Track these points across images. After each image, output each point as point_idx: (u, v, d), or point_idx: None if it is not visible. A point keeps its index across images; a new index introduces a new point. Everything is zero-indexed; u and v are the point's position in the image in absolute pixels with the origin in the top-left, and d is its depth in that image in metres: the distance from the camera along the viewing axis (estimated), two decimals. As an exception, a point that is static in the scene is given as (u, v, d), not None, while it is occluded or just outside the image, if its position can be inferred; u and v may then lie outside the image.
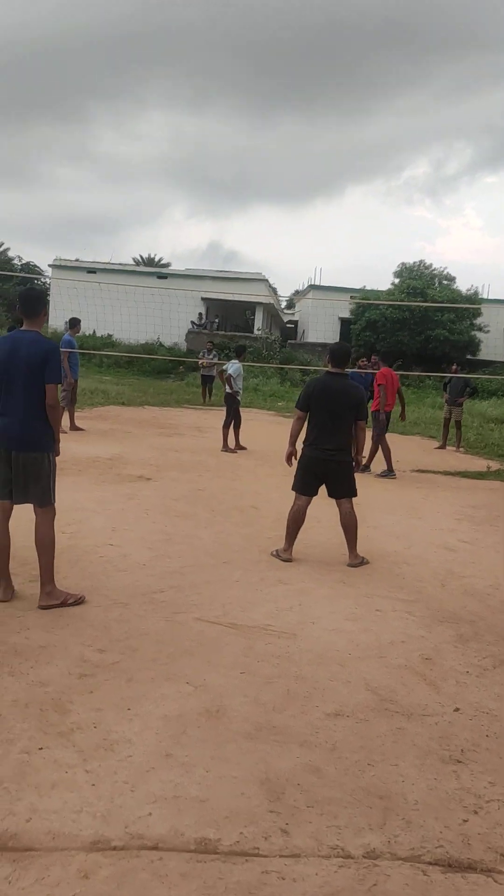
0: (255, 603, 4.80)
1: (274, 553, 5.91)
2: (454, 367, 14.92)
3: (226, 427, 11.93)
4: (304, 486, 5.95)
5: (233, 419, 11.95)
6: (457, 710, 3.52)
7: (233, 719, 3.28)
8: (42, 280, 49.17)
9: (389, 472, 10.19)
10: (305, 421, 5.93)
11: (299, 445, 6.03)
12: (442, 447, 13.63)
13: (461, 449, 13.57)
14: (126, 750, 2.97)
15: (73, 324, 12.48)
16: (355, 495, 6.00)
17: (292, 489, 6.03)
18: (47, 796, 2.64)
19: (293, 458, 6.09)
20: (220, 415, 17.08)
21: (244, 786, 2.79)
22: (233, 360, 12.49)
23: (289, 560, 5.80)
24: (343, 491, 5.94)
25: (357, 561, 5.84)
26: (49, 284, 41.86)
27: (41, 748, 2.94)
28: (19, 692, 3.38)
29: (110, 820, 2.54)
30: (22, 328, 4.60)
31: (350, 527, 5.91)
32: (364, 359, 12.62)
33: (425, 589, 5.36)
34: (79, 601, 4.54)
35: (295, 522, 5.92)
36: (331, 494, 6.00)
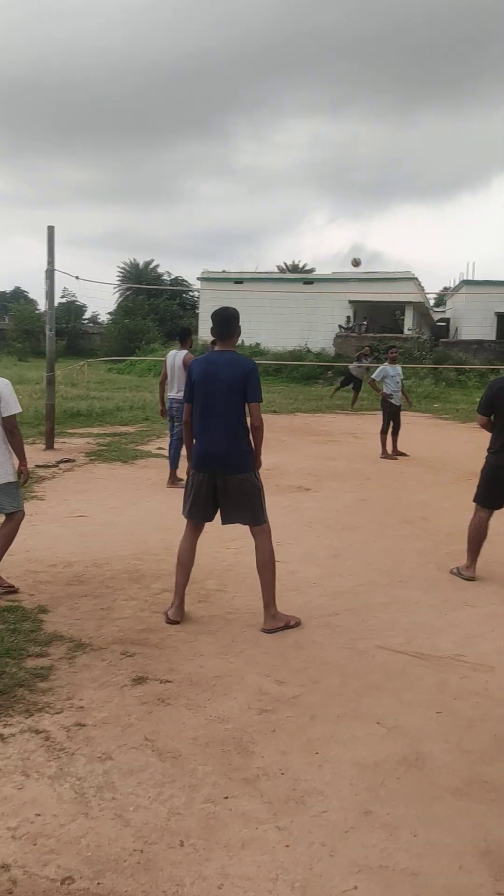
0: (440, 629, 4.36)
1: (454, 571, 5.42)
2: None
3: (383, 433, 11.46)
4: (487, 498, 5.40)
5: (389, 424, 11.46)
6: None
7: (437, 770, 2.88)
8: (191, 293, 50.51)
9: None
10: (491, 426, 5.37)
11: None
12: None
13: None
14: (319, 804, 2.65)
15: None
16: None
17: (474, 500, 5.50)
18: (238, 858, 2.36)
19: None
20: (374, 419, 16.61)
21: (461, 857, 2.39)
22: (383, 365, 12.02)
23: (472, 578, 5.29)
24: None
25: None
26: (199, 297, 42.88)
27: (227, 797, 2.67)
28: (199, 729, 3.14)
29: (310, 892, 2.22)
30: (217, 349, 4.51)
31: None
32: None
33: None
34: (298, 624, 4.33)
35: (477, 537, 5.40)
36: None
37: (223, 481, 4.32)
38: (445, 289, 47.78)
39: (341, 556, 5.78)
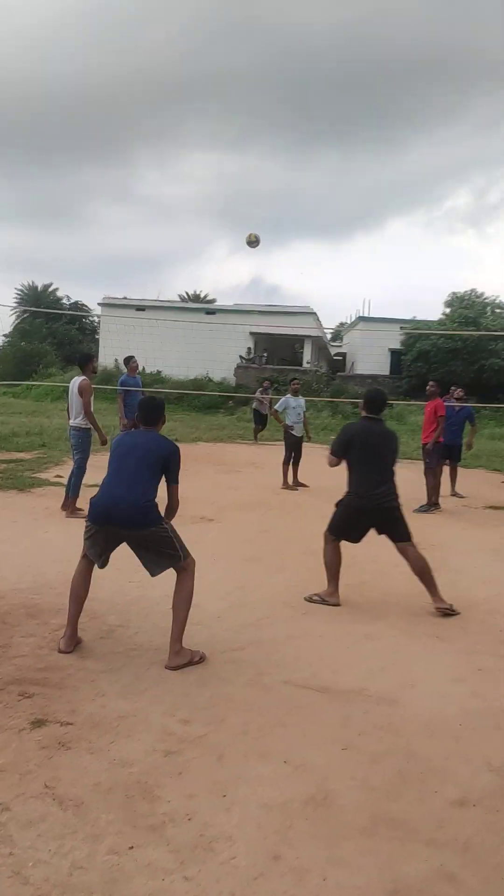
0: (345, 662, 4.39)
1: (316, 598, 5.54)
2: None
3: (285, 464, 11.58)
4: (340, 532, 5.66)
5: (290, 454, 11.60)
6: None
7: (344, 809, 2.87)
8: (90, 318, 49.91)
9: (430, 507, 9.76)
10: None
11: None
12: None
13: None
14: (227, 850, 2.58)
15: (127, 362, 12.24)
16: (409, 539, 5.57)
17: (327, 529, 5.70)
18: (144, 912, 2.26)
19: None
20: (275, 450, 16.78)
21: (371, 899, 2.37)
22: (286, 396, 12.26)
23: (336, 604, 5.49)
24: (402, 534, 5.55)
25: (445, 606, 5.38)
26: (98, 322, 42.41)
27: (132, 847, 2.57)
28: (101, 774, 3.02)
29: (219, 944, 2.15)
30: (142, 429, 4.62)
31: (424, 571, 5.45)
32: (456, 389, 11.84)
33: (527, 643, 4.87)
34: (203, 659, 4.28)
35: (335, 564, 5.65)
36: (394, 539, 5.59)
37: (130, 536, 4.34)
38: (342, 324, 49.15)
39: (245, 589, 5.76)
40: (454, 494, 11.17)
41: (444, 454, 10.55)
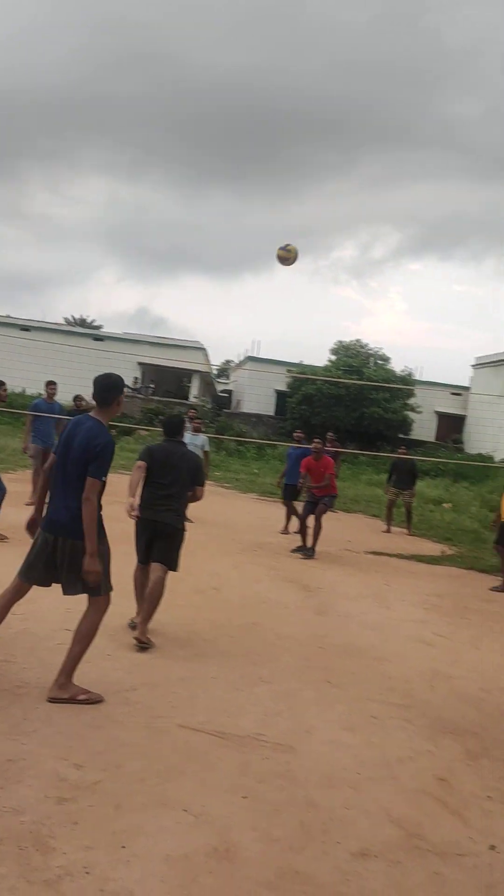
0: (239, 706, 4.32)
1: (131, 624, 5.49)
2: (402, 449, 14.70)
3: None
4: (137, 552, 5.68)
5: None
6: (492, 847, 3.11)
7: (247, 862, 2.78)
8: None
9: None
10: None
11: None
12: (387, 531, 13.35)
13: (411, 533, 13.31)
14: (130, 908, 2.44)
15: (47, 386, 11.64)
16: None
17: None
18: None
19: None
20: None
21: None
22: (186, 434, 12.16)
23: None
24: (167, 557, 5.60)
25: (143, 640, 5.11)
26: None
27: (25, 906, 2.38)
28: (-10, 824, 2.81)
29: None
30: (90, 413, 4.34)
31: (155, 598, 5.38)
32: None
33: (415, 692, 4.97)
34: (98, 700, 4.06)
35: (137, 587, 5.64)
36: (155, 557, 5.58)
37: (63, 545, 4.11)
38: (228, 361, 49.68)
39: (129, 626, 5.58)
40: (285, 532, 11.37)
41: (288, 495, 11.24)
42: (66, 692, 4.03)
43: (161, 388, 36.57)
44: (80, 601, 5.88)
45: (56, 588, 5.92)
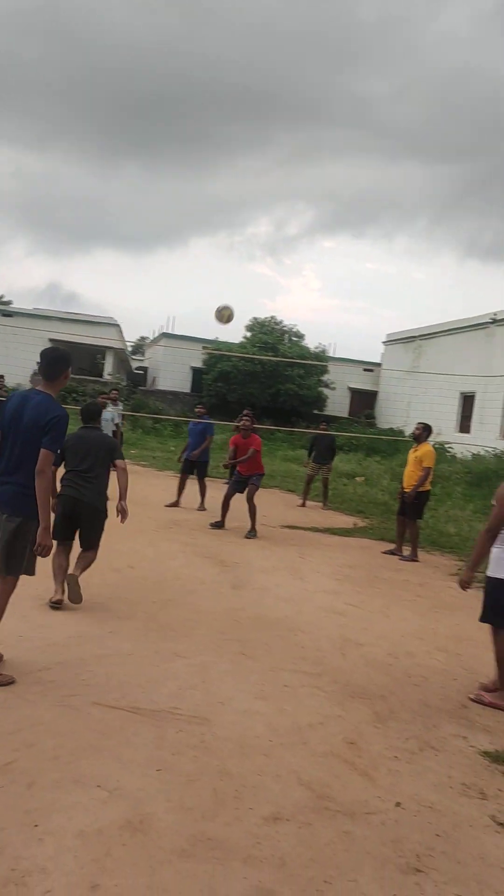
0: (155, 681, 4.34)
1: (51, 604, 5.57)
2: (323, 425, 14.83)
3: None
4: (59, 532, 5.74)
5: None
6: (398, 805, 3.25)
7: (161, 832, 2.83)
8: None
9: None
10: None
11: None
12: (303, 504, 13.57)
13: (326, 507, 13.56)
14: (42, 883, 2.45)
15: None
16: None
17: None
18: None
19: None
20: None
21: (192, 923, 2.35)
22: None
23: (59, 602, 5.55)
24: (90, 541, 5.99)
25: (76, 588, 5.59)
26: None
27: None
28: None
29: None
30: (37, 388, 4.37)
31: (88, 560, 5.89)
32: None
33: (327, 659, 5.11)
34: (11, 682, 4.06)
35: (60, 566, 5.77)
36: (81, 543, 5.97)
37: (4, 523, 4.15)
38: (143, 338, 49.13)
39: (47, 606, 5.53)
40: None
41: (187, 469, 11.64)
42: None
43: (74, 366, 35.71)
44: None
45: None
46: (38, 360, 4.43)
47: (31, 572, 4.32)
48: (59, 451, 4.24)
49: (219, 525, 9.93)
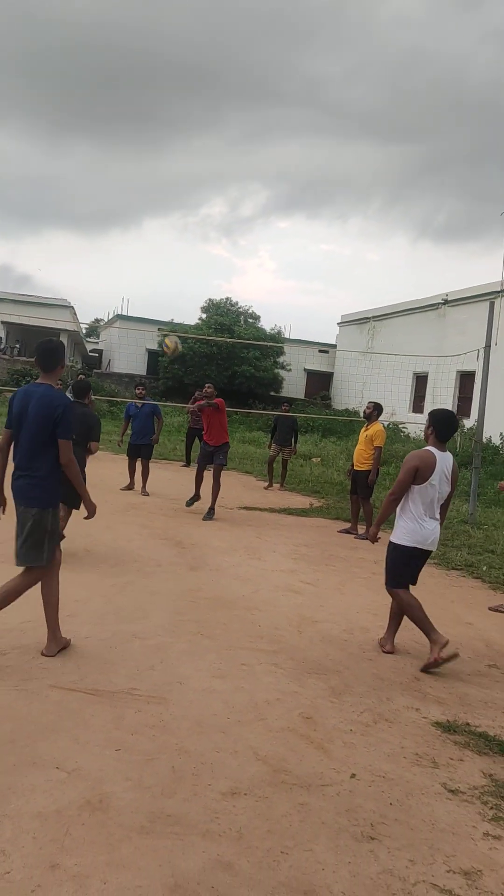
0: (112, 663, 4.36)
1: None
2: (284, 406, 14.81)
3: None
4: None
5: None
6: (353, 776, 3.33)
7: (120, 810, 2.86)
8: None
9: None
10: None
11: None
12: (269, 486, 13.62)
13: (283, 488, 13.65)
14: (1, 865, 2.47)
15: None
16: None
17: None
18: None
19: None
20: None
21: (152, 897, 2.39)
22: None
23: None
24: None
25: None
26: None
27: None
28: None
29: None
30: (37, 381, 4.46)
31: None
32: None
33: (283, 637, 5.18)
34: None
35: None
36: None
37: (23, 513, 4.32)
38: (98, 320, 48.56)
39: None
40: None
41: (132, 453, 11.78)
42: (58, 645, 4.43)
43: (28, 348, 35.29)
44: None
45: None
46: (35, 351, 4.50)
47: (50, 561, 4.45)
48: (73, 437, 4.38)
49: (195, 499, 9.94)
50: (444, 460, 5.01)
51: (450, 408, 23.78)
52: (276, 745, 3.54)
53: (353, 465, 9.96)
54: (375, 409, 9.88)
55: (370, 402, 10.05)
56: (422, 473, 4.94)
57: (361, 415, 10.54)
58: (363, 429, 9.99)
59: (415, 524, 5.00)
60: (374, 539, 5.57)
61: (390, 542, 5.13)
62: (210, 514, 9.65)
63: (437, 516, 5.10)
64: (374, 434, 9.69)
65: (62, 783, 3.01)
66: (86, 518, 4.94)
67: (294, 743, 3.59)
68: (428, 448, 5.06)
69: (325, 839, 2.81)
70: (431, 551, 5.17)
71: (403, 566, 5.07)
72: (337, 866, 2.65)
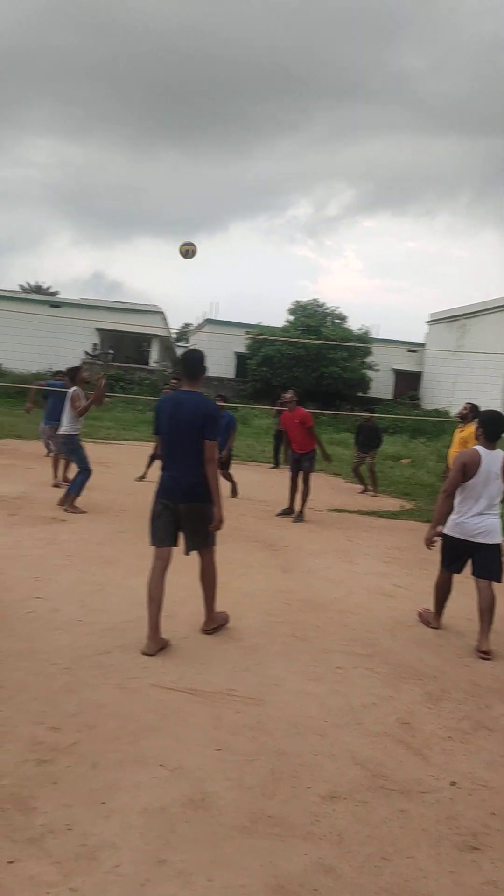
0: (209, 663, 4.45)
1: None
2: (367, 413, 14.66)
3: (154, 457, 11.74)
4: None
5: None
6: (453, 783, 3.30)
7: (222, 810, 2.92)
8: None
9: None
10: None
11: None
12: (363, 491, 13.49)
13: (377, 494, 13.48)
14: (111, 858, 2.56)
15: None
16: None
17: None
18: (30, 928, 2.21)
19: None
20: (121, 449, 16.59)
21: (255, 896, 2.44)
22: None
23: None
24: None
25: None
26: None
27: (11, 861, 2.49)
28: (-29, 788, 2.90)
29: None
30: (183, 388, 4.90)
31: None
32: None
33: (378, 641, 5.16)
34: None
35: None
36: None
37: (186, 509, 4.74)
38: (187, 325, 49.32)
39: (104, 592, 5.67)
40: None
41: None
42: (215, 622, 5.02)
43: (121, 354, 36.22)
44: (48, 571, 5.97)
45: (22, 554, 6.02)
46: (180, 362, 5.02)
47: (215, 542, 5.01)
48: (218, 439, 4.82)
49: (289, 511, 9.99)
50: (492, 458, 5.26)
51: (546, 406, 23.04)
52: (374, 750, 3.54)
53: (447, 467, 9.79)
54: (472, 411, 9.67)
55: (467, 403, 9.85)
56: (468, 471, 5.24)
57: (457, 415, 10.34)
58: (457, 429, 9.81)
59: (460, 517, 5.35)
60: (430, 544, 5.55)
61: (442, 533, 5.50)
62: (300, 517, 9.69)
63: (490, 511, 5.31)
64: (468, 436, 9.49)
65: (165, 781, 3.10)
66: (217, 524, 4.93)
67: (392, 748, 3.58)
68: (475, 447, 5.34)
69: (426, 847, 2.80)
70: (484, 544, 5.29)
71: (447, 553, 5.51)
72: (439, 875, 2.64)
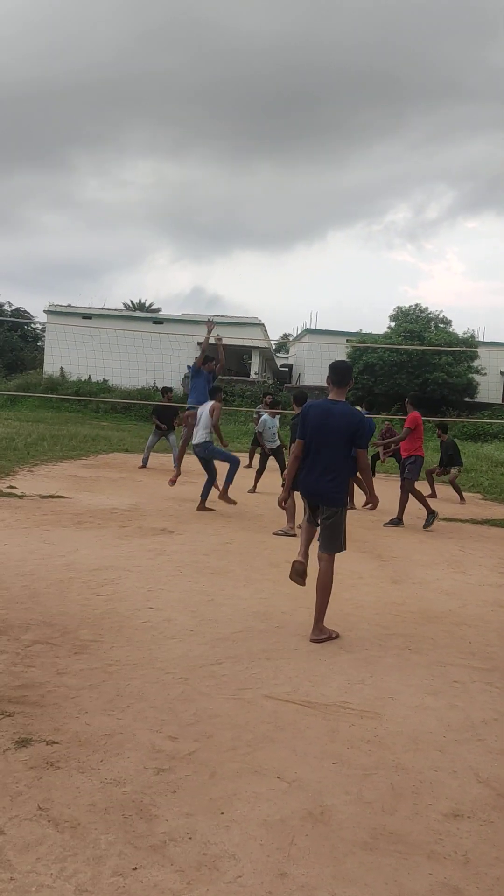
0: (323, 675, 4.40)
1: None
2: (438, 431, 14.86)
3: (259, 472, 12.16)
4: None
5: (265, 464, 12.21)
6: None
7: (342, 824, 2.87)
8: (33, 325, 49.13)
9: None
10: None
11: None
12: (462, 501, 13.27)
13: (463, 501, 13.23)
14: (233, 869, 2.56)
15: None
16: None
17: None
18: (156, 936, 2.22)
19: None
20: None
21: (380, 914, 2.38)
22: (264, 415, 12.80)
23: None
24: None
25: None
26: (42, 330, 41.78)
27: (135, 868, 2.52)
28: (95, 793, 2.96)
29: None
30: (330, 398, 5.15)
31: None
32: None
33: (497, 654, 4.98)
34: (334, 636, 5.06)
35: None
36: None
37: (325, 511, 5.11)
38: (286, 335, 49.48)
39: (215, 602, 5.73)
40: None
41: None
42: (323, 634, 4.99)
43: (224, 367, 36.68)
44: (160, 582, 6.08)
45: (134, 565, 6.16)
46: (329, 371, 5.22)
47: (340, 549, 5.21)
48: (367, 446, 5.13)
49: (432, 517, 9.92)
50: None
51: None
52: (498, 768, 3.40)
53: None
54: None
55: None
56: None
57: None
58: None
59: None
60: None
61: None
62: (395, 521, 9.77)
63: None
64: None
65: (284, 793, 3.07)
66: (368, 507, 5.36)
67: (517, 766, 3.43)
68: None
69: None
70: None
71: None
72: None
